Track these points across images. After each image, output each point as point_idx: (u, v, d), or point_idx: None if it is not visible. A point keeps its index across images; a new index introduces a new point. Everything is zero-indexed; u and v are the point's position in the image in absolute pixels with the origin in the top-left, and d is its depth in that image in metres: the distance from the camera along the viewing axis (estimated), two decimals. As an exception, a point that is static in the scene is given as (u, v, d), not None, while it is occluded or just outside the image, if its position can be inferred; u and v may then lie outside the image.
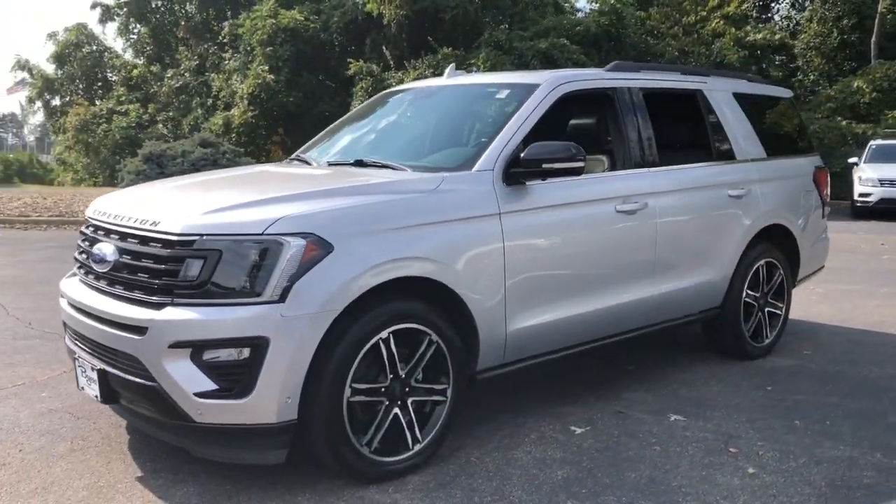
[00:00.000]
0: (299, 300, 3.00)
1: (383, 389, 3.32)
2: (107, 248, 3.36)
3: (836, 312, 6.84)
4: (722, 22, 25.29)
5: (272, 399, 3.00)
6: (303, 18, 24.11)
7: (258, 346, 2.96)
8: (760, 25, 25.96)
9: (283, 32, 23.78)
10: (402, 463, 3.40)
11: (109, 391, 3.30)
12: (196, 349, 2.98)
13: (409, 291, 3.39)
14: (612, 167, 4.47)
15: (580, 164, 3.76)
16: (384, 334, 3.26)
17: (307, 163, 4.55)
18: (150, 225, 3.21)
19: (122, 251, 3.30)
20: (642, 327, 4.50)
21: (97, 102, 33.35)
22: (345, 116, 5.21)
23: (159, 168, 14.68)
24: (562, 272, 3.97)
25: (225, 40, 26.45)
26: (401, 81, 20.87)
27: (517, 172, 3.75)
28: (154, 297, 3.08)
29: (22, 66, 34.66)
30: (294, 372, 3.02)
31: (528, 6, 24.43)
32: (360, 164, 4.11)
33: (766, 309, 5.31)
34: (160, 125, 28.63)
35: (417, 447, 3.44)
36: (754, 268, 5.13)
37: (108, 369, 3.26)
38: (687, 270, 4.64)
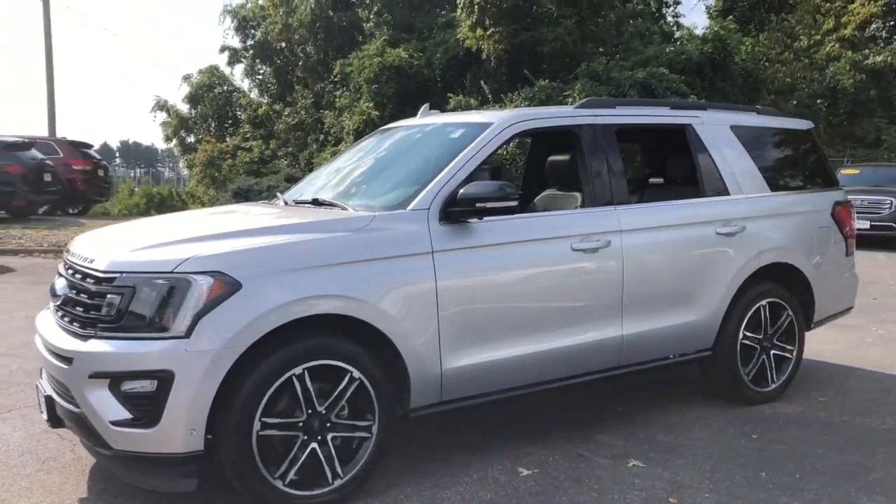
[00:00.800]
0: (204, 336, 3.16)
1: (300, 424, 3.41)
2: (60, 283, 3.65)
3: (885, 357, 6.35)
4: (837, 45, 24.01)
5: (178, 430, 3.16)
6: (407, 56, 24.79)
7: (164, 378, 3.13)
8: (884, 47, 24.43)
9: (389, 70, 24.52)
10: (320, 498, 3.47)
11: (55, 417, 3.56)
12: (114, 380, 3.19)
13: (332, 328, 3.48)
14: (583, 204, 4.42)
15: (512, 203, 3.78)
16: (298, 370, 3.37)
17: (280, 201, 4.75)
18: (88, 262, 3.48)
19: (70, 285, 3.57)
20: (608, 369, 4.38)
21: (227, 139, 35.38)
22: (337, 155, 5.39)
23: (247, 202, 15.46)
24: (506, 311, 3.94)
25: (336, 79, 27.56)
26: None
27: (454, 212, 3.79)
28: (82, 330, 3.33)
29: (161, 106, 37.26)
30: (198, 405, 3.16)
31: (634, 36, 24.11)
32: (315, 202, 4.26)
33: (772, 352, 5.03)
34: (281, 160, 30.06)
35: (338, 482, 3.50)
36: (753, 308, 4.88)
37: (54, 396, 3.53)
38: (663, 311, 4.49)
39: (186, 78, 37.43)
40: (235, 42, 35.01)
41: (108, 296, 3.27)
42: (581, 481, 3.82)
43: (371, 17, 27.95)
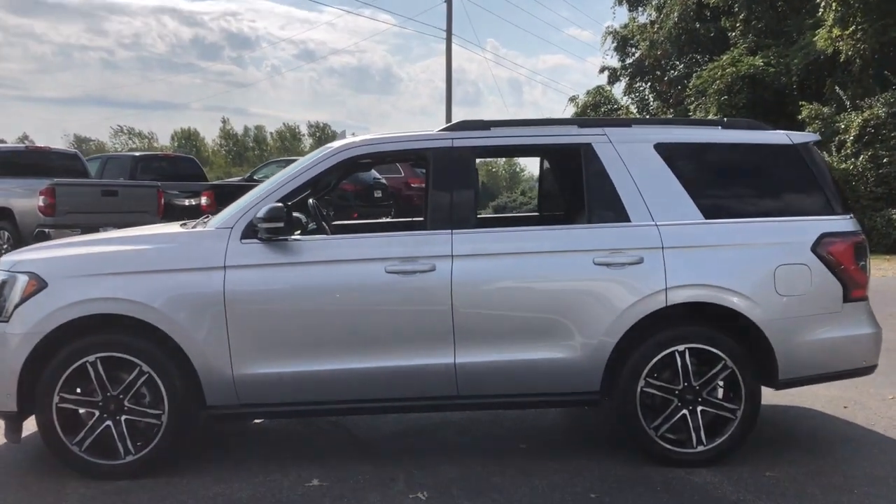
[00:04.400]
0: (17, 322, 4.09)
1: (98, 403, 4.14)
2: None
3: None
4: None
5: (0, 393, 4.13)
6: (763, 64, 22.99)
7: None
8: None
9: (741, 80, 23.05)
10: (115, 469, 4.14)
11: None
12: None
13: (130, 326, 4.14)
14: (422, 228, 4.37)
15: (277, 224, 4.03)
16: (91, 358, 4.10)
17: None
18: None
19: None
20: (445, 398, 4.24)
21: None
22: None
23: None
24: (306, 327, 4.16)
25: (691, 93, 26.63)
26: (849, 124, 18.61)
27: (253, 231, 4.17)
28: None
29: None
30: (9, 375, 4.09)
31: None
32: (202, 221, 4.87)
33: (700, 408, 4.25)
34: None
35: (129, 458, 4.14)
36: (662, 353, 4.21)
37: None
38: (515, 343, 4.18)
39: (573, 99, 39.11)
40: (614, 62, 35.72)
41: None
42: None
43: (738, 24, 26.37)
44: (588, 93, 38.31)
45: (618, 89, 36.11)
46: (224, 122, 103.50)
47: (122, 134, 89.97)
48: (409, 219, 6.17)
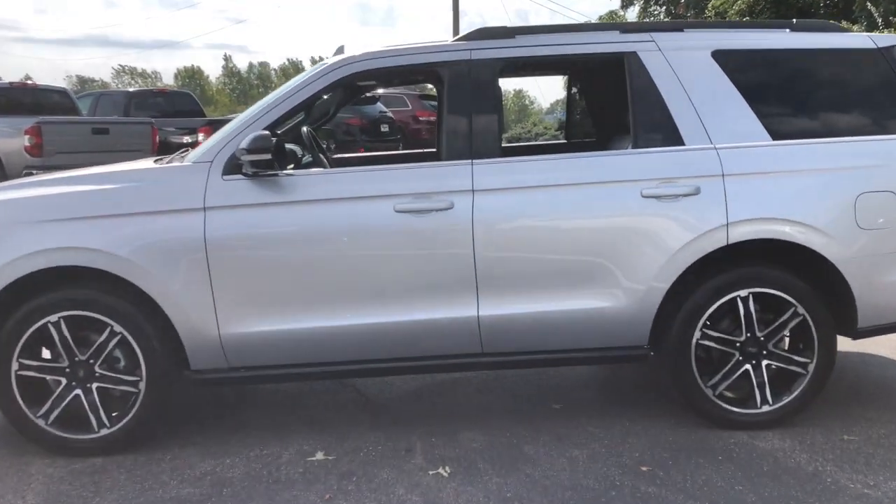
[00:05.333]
0: None
1: (67, 369, 3.55)
2: None
3: None
4: None
5: None
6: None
7: None
8: None
9: (765, 1, 21.92)
10: (86, 444, 3.58)
11: None
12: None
13: (100, 280, 3.53)
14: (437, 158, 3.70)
15: (263, 156, 3.37)
16: (54, 318, 3.50)
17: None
18: None
19: None
20: (468, 355, 3.64)
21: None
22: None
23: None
24: (302, 278, 3.53)
25: (710, 15, 25.43)
26: None
27: (237, 165, 3.51)
28: None
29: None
30: None
31: None
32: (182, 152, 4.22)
33: (765, 362, 3.64)
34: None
35: (104, 431, 3.58)
36: (722, 300, 3.58)
37: None
38: (547, 292, 3.56)
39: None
40: (627, -15, 34.33)
41: None
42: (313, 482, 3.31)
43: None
44: (600, 18, 36.97)
45: (631, 14, 34.75)
46: (226, 59, 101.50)
47: (125, 74, 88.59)
48: (421, 150, 5.47)
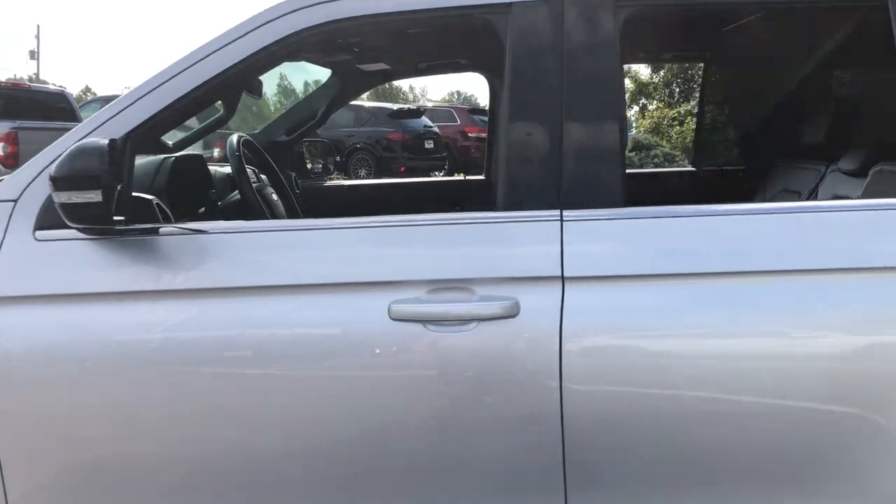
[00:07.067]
0: None
1: None
2: None
3: None
4: None
5: None
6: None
7: None
8: None
9: None
10: None
11: None
12: None
13: None
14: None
15: (88, 196, 1.48)
16: None
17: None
18: None
19: None
20: None
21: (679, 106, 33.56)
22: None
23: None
24: (172, 445, 1.64)
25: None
26: None
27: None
28: None
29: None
30: None
31: None
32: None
33: None
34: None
35: None
36: None
37: None
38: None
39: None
40: None
41: None
42: None
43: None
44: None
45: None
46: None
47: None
48: (460, 177, 3.55)
